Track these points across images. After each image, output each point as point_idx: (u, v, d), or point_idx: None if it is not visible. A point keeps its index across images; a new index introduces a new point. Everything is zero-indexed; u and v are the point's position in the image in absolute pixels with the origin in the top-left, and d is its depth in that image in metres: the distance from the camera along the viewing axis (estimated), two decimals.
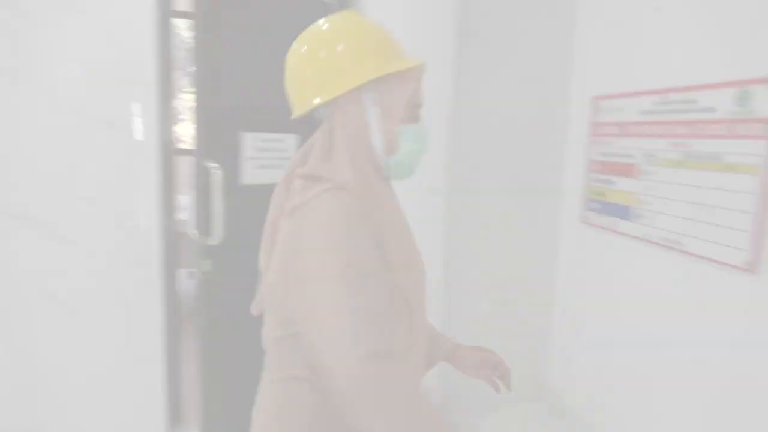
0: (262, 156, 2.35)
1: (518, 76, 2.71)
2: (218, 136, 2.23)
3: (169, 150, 2.25)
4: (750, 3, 1.81)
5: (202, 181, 2.18)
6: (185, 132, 3.88)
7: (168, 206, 2.26)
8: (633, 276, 2.35)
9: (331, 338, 0.80)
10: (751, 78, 1.77)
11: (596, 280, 2.61)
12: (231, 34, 2.21)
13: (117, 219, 2.09)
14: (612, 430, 2.48)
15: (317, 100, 0.91)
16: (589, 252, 2.67)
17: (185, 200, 3.03)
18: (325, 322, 0.80)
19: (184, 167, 2.95)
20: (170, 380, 2.34)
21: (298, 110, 0.95)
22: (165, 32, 2.16)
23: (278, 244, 0.89)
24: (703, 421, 1.97)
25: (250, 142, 2.30)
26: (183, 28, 3.54)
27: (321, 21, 0.96)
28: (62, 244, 2.02)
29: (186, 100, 4.04)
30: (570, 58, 2.78)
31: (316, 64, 0.92)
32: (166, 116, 2.20)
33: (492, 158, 2.74)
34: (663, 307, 2.16)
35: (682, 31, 2.10)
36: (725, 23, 1.90)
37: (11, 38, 1.88)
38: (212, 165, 2.16)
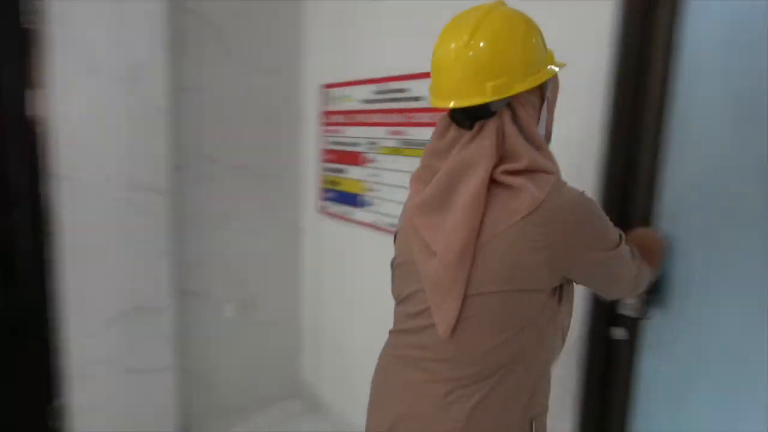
0: None
1: (246, 63, 2.54)
2: None
3: None
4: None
5: None
6: None
7: None
8: (367, 264, 2.39)
9: (624, 278, 1.01)
10: None
11: (335, 271, 2.61)
12: None
13: None
14: (361, 419, 2.52)
15: (520, 88, 0.89)
16: (328, 243, 2.66)
17: None
18: (622, 269, 0.98)
19: None
20: None
21: (478, 98, 0.89)
22: None
23: (517, 238, 0.87)
24: None
25: None
26: None
27: (486, 8, 0.93)
28: None
29: None
30: (300, 46, 2.71)
31: (519, 51, 0.90)
32: None
33: (225, 151, 2.54)
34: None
35: (396, 21, 2.16)
36: (429, 16, 2.00)
37: None
38: None
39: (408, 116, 2.06)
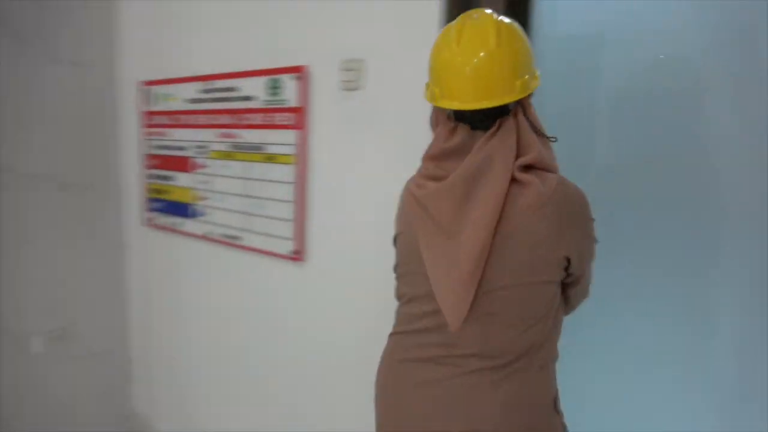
0: None
1: (44, 54, 2.17)
2: None
3: None
4: None
5: None
6: None
7: None
8: (203, 280, 2.18)
9: (590, 270, 1.08)
10: (279, 67, 1.76)
11: (168, 289, 2.35)
12: None
13: None
14: None
15: (534, 85, 0.97)
16: (157, 259, 2.39)
17: None
18: (589, 254, 1.04)
19: None
20: None
21: (513, 95, 0.94)
22: None
23: (534, 232, 0.92)
24: (289, 406, 1.95)
25: None
26: None
27: (489, 14, 0.97)
28: None
29: None
30: (114, 37, 2.39)
31: (529, 51, 0.97)
32: None
33: (20, 157, 2.14)
34: (233, 307, 2.06)
35: (222, 14, 1.98)
36: (257, 11, 1.85)
37: None
38: None
39: (239, 117, 1.90)
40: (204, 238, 2.10)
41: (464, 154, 0.97)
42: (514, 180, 0.93)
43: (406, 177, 1.52)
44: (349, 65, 1.58)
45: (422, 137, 1.47)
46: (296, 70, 1.70)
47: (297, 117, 1.71)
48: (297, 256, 1.76)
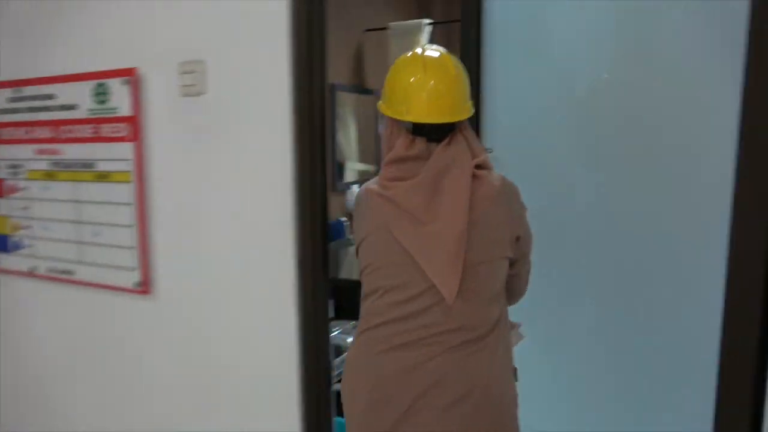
0: None
1: None
2: None
3: None
4: None
5: None
6: None
7: None
8: (30, 324, 1.84)
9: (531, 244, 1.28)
10: (106, 69, 1.52)
11: None
12: None
13: None
14: None
15: (473, 106, 1.22)
16: None
17: None
18: (530, 235, 1.24)
19: None
20: None
21: (467, 114, 1.18)
22: None
23: (494, 216, 1.14)
24: None
25: None
26: None
27: (435, 46, 1.22)
28: None
29: None
30: None
31: (468, 80, 1.21)
32: None
33: None
34: (72, 353, 1.76)
35: (33, 10, 1.67)
36: (78, 4, 1.58)
37: None
38: None
39: (60, 130, 1.61)
40: (29, 275, 1.76)
41: (423, 160, 1.14)
42: (472, 176, 1.12)
43: (261, 185, 1.38)
44: (189, 68, 1.39)
45: (274, 143, 1.33)
46: (126, 74, 1.47)
47: (130, 127, 1.48)
48: (144, 288, 1.52)
